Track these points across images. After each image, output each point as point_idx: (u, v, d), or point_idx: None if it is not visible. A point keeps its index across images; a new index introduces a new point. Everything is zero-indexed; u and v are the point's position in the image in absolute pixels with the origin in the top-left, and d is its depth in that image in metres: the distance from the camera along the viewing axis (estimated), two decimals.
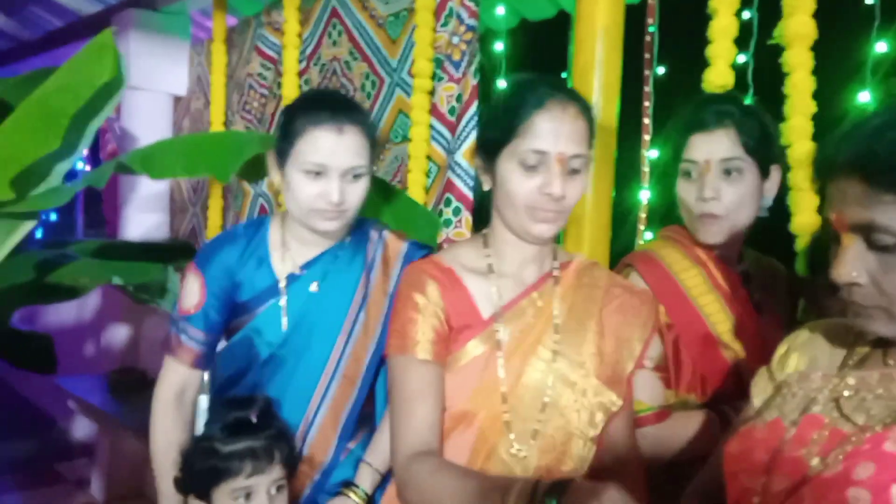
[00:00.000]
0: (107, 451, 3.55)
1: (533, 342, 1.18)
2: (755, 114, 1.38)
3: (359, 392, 1.51)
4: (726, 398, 1.38)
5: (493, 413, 1.15)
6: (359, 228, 1.55)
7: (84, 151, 1.94)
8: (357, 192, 1.39)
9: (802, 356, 0.99)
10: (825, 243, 1.49)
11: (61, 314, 4.47)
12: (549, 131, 1.11)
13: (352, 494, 1.49)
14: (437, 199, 2.28)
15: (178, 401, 1.49)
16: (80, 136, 1.91)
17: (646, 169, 2.63)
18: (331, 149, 1.34)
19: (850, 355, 0.92)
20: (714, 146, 1.34)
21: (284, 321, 1.45)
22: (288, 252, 1.48)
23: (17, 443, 4.23)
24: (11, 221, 1.77)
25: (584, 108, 1.16)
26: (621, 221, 2.53)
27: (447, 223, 2.22)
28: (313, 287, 1.47)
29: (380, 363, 1.53)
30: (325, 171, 1.35)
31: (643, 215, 2.70)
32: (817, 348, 0.98)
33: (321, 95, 1.52)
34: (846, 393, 0.86)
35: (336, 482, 1.51)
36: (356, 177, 1.38)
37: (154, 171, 1.74)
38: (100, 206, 4.45)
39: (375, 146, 1.44)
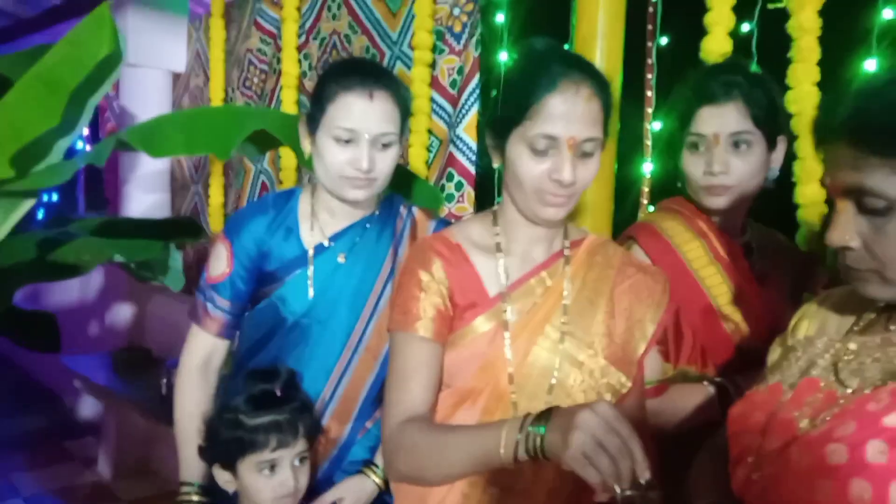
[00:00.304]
0: (113, 429, 3.58)
1: (540, 322, 1.16)
2: (763, 83, 1.36)
3: (380, 368, 1.50)
4: (726, 371, 1.38)
5: (498, 391, 1.15)
6: (388, 202, 1.56)
7: (84, 129, 1.93)
8: (387, 161, 1.40)
9: (812, 322, 1.00)
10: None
11: (65, 293, 4.49)
12: (561, 115, 1.07)
13: (371, 474, 1.52)
14: (438, 174, 2.27)
15: (204, 369, 1.52)
16: (79, 112, 1.90)
17: (648, 142, 2.61)
18: (361, 114, 1.35)
19: (858, 321, 0.93)
20: (723, 119, 1.33)
21: (311, 290, 1.47)
22: (317, 222, 1.50)
23: (25, 421, 4.27)
24: (12, 200, 1.77)
25: (600, 86, 1.10)
26: (624, 195, 2.52)
27: (449, 198, 2.21)
28: (341, 258, 1.48)
29: None
30: (355, 138, 1.36)
31: (646, 189, 2.68)
32: (827, 315, 0.98)
33: (354, 62, 1.52)
34: (846, 357, 0.87)
35: (353, 460, 1.52)
36: (386, 145, 1.38)
37: (154, 150, 1.73)
38: (101, 186, 4.44)
39: (407, 115, 1.45)
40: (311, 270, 1.47)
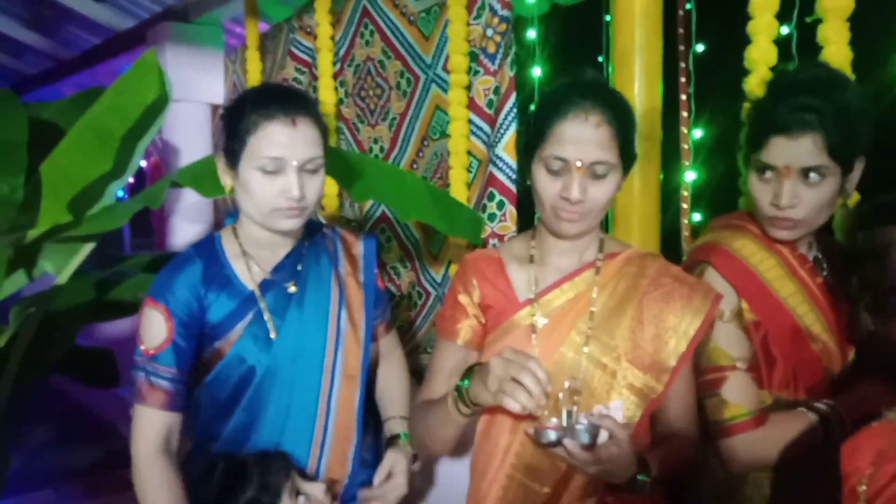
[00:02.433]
0: None
1: (567, 326, 1.27)
2: (842, 105, 1.22)
3: (361, 390, 1.50)
4: (818, 392, 1.32)
5: None
6: (309, 226, 1.53)
7: (134, 171, 1.99)
8: (315, 186, 1.36)
9: None
10: (864, 218, 1.45)
11: (117, 327, 4.58)
12: (570, 139, 1.19)
13: (401, 443, 1.56)
14: (479, 195, 2.28)
15: (165, 451, 1.37)
16: (129, 156, 1.96)
17: (686, 146, 2.59)
18: (286, 142, 1.31)
19: None
20: (796, 153, 1.23)
21: (272, 329, 1.41)
22: (251, 260, 1.43)
23: (82, 451, 4.36)
24: (72, 245, 1.83)
25: (612, 114, 1.20)
26: (666, 204, 2.50)
27: (491, 217, 2.22)
28: (291, 288, 1.44)
29: (371, 353, 1.57)
30: (281, 167, 1.31)
31: (686, 194, 2.66)
32: None
33: (267, 89, 1.49)
34: None
35: (356, 492, 1.52)
36: (313, 171, 1.35)
37: (206, 190, 1.77)
38: (146, 215, 4.55)
39: (327, 137, 1.41)
40: (265, 310, 1.40)
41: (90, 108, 1.89)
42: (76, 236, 1.80)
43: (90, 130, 1.88)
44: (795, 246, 1.37)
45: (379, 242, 1.61)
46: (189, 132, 3.79)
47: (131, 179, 4.85)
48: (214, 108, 3.89)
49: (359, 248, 1.58)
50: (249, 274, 1.42)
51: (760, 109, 1.30)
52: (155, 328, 1.37)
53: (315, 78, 2.97)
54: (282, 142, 1.31)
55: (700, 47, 2.45)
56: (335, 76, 2.89)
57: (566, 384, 1.18)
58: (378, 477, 1.52)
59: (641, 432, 1.27)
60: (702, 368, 1.33)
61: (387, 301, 1.66)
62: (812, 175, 1.24)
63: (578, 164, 1.19)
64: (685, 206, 2.67)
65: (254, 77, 3.36)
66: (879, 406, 0.92)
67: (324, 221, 1.63)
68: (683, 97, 2.57)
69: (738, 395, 1.28)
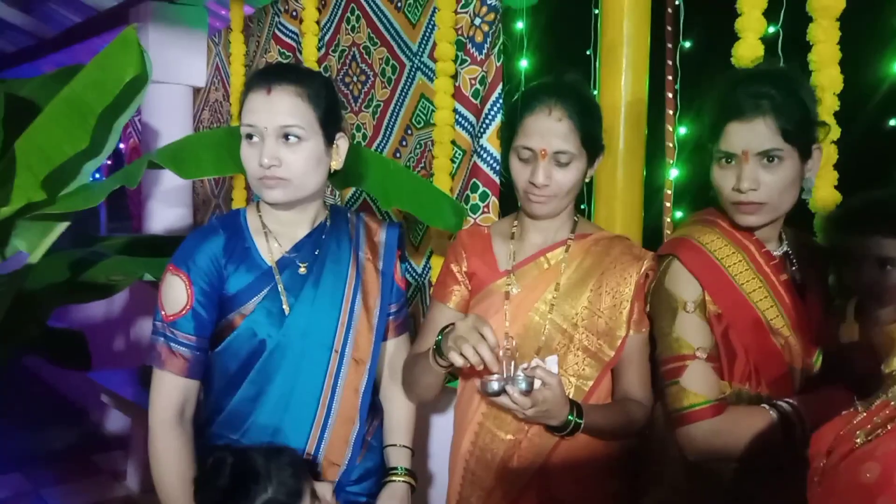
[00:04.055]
0: (141, 443, 3.60)
1: (535, 296, 1.46)
2: (795, 92, 1.29)
3: (369, 374, 1.50)
4: (780, 387, 1.34)
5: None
6: (335, 210, 1.57)
7: (111, 150, 1.95)
8: (297, 159, 1.36)
9: None
10: (840, 213, 1.46)
11: (92, 310, 4.53)
12: (535, 131, 1.38)
13: (395, 477, 1.54)
14: (463, 185, 2.27)
15: (181, 418, 1.38)
16: (107, 134, 1.93)
17: (671, 144, 2.59)
18: (260, 108, 1.34)
19: None
20: (752, 136, 1.27)
21: (286, 305, 1.42)
22: (272, 236, 1.46)
23: (54, 436, 4.30)
24: (45, 223, 1.79)
25: (574, 109, 1.38)
26: (649, 199, 2.51)
27: (474, 209, 2.20)
28: (302, 269, 1.45)
29: (384, 340, 1.57)
30: (258, 133, 1.35)
31: (669, 192, 2.66)
32: None
33: (267, 65, 1.54)
34: None
35: (361, 476, 1.51)
36: (293, 141, 1.35)
37: (184, 171, 1.74)
38: (123, 198, 4.48)
39: (328, 113, 1.40)
40: (280, 285, 1.42)
41: (68, 83, 1.84)
42: (50, 214, 1.76)
43: (67, 106, 1.83)
44: (762, 243, 1.39)
45: (402, 233, 1.62)
46: (169, 114, 3.73)
47: (109, 162, 4.78)
48: (196, 90, 3.83)
49: (381, 235, 1.60)
50: (269, 250, 1.44)
51: (717, 100, 1.35)
52: (176, 294, 1.38)
53: (300, 62, 2.93)
54: (256, 109, 1.35)
55: (687, 44, 2.44)
56: (319, 61, 2.86)
57: (504, 344, 1.31)
58: None
59: (603, 393, 1.46)
60: (664, 358, 1.37)
61: (404, 301, 1.65)
62: (770, 159, 1.28)
63: (543, 152, 1.37)
64: (668, 204, 2.68)
65: (237, 60, 3.32)
66: (841, 412, 0.93)
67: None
68: (670, 95, 2.57)
69: (697, 383, 1.31)
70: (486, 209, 2.20)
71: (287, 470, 1.26)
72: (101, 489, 3.65)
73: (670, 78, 2.56)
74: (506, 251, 1.52)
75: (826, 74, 1.54)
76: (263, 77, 1.37)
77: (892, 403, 0.85)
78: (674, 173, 2.53)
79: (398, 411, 1.61)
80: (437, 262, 2.33)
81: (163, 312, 1.38)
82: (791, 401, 1.29)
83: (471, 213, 2.19)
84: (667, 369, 1.36)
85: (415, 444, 1.64)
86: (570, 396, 1.39)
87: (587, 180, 1.47)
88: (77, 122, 1.82)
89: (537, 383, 1.26)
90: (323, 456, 1.45)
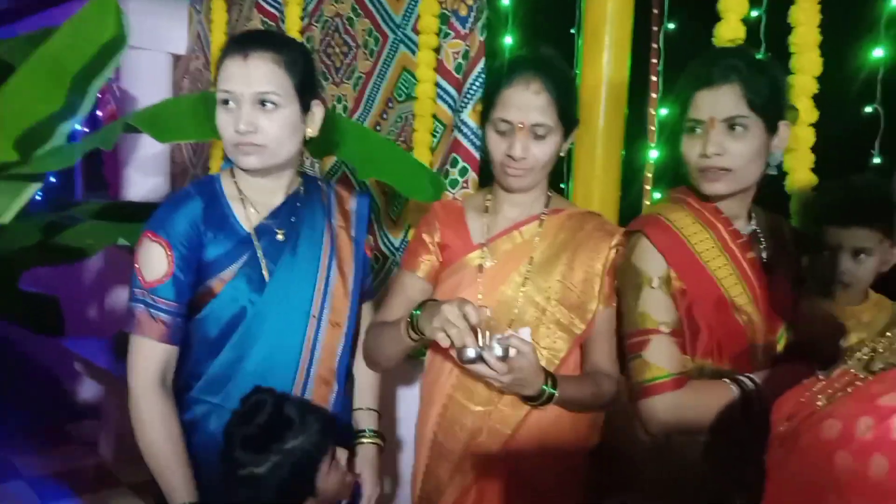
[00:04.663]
0: (114, 412, 3.59)
1: (509, 269, 1.47)
2: (764, 68, 1.34)
3: (346, 338, 1.54)
4: (742, 363, 1.37)
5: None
6: (307, 178, 1.58)
7: (86, 112, 1.91)
8: (273, 125, 1.37)
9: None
10: (820, 203, 1.49)
11: (67, 277, 4.48)
12: (513, 104, 1.39)
13: (364, 439, 1.60)
14: (443, 159, 2.26)
15: (162, 384, 1.38)
16: (82, 96, 1.89)
17: (653, 127, 2.60)
18: (236, 74, 1.35)
19: None
20: (718, 102, 1.31)
21: (265, 271, 1.43)
22: (248, 202, 1.46)
23: (27, 403, 4.28)
24: (17, 184, 1.76)
25: (552, 83, 1.38)
26: (630, 180, 2.51)
27: (453, 184, 2.20)
28: (280, 235, 1.46)
29: (359, 306, 1.60)
30: (234, 99, 1.35)
31: (649, 174, 2.67)
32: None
33: (244, 32, 1.53)
34: (880, 349, 0.87)
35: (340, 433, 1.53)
36: (269, 107, 1.36)
37: (161, 135, 1.71)
38: (100, 167, 4.42)
39: (306, 80, 1.41)
40: (260, 252, 1.44)
41: (43, 44, 1.81)
42: (22, 174, 1.73)
43: (42, 67, 1.80)
44: (730, 221, 1.41)
45: (372, 201, 1.64)
46: (148, 81, 3.68)
47: (86, 129, 4.71)
48: (176, 58, 3.78)
49: (352, 203, 1.62)
50: (247, 217, 1.45)
51: (689, 73, 1.39)
52: (155, 261, 1.37)
53: (283, 32, 2.89)
54: (233, 75, 1.35)
55: (671, 26, 2.44)
56: (302, 32, 2.83)
57: (481, 312, 1.31)
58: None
59: (572, 366, 1.48)
60: (629, 332, 1.40)
61: (370, 269, 1.69)
62: (736, 127, 1.31)
63: (521, 125, 1.38)
64: (647, 186, 2.69)
65: (218, 28, 3.27)
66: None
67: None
68: (654, 78, 2.57)
69: (660, 357, 1.33)
70: (465, 184, 2.20)
71: (318, 425, 1.31)
72: (73, 458, 3.65)
73: (655, 61, 2.57)
74: (479, 225, 1.53)
75: (806, 58, 1.55)
76: (241, 43, 1.37)
77: (852, 371, 0.87)
78: (653, 155, 2.53)
79: (364, 375, 1.66)
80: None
81: (141, 279, 1.37)
82: (752, 376, 1.32)
83: (450, 188, 2.19)
84: (631, 343, 1.38)
85: (383, 409, 1.67)
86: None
87: (562, 154, 1.48)
88: (52, 82, 1.79)
89: (512, 351, 1.27)
90: None
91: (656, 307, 1.36)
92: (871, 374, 0.85)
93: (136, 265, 1.38)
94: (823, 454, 0.78)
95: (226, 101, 1.36)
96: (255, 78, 1.34)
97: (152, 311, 1.36)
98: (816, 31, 1.55)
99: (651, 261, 1.38)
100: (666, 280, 1.37)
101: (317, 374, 1.49)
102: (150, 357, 1.37)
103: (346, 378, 1.57)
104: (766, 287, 1.40)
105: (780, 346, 1.43)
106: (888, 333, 0.89)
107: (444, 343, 1.28)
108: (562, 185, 1.99)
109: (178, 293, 1.38)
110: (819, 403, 0.86)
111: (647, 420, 1.35)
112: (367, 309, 1.69)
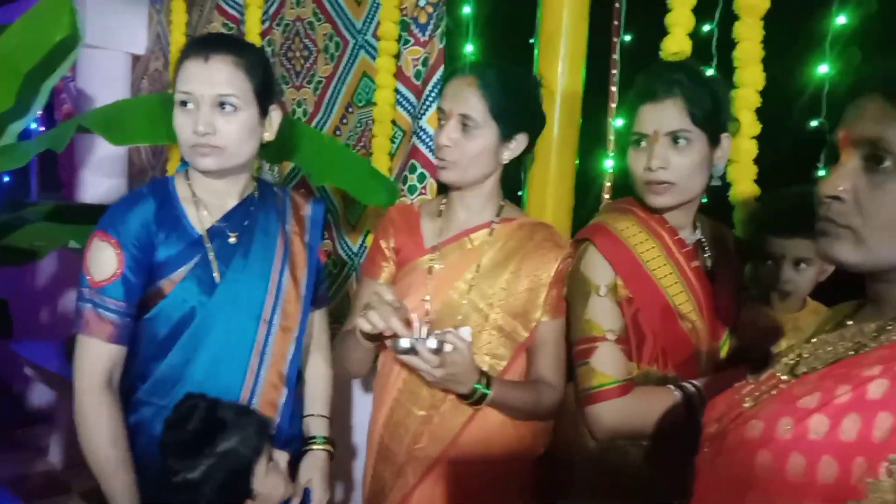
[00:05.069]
0: (65, 417, 3.51)
1: (456, 274, 1.48)
2: (706, 82, 1.37)
3: (296, 343, 1.53)
4: (687, 370, 1.40)
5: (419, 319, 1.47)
6: (262, 183, 1.58)
7: (39, 111, 1.89)
8: (232, 128, 1.37)
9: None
10: (764, 213, 1.54)
11: (16, 279, 4.38)
12: (447, 94, 1.46)
13: (315, 446, 1.59)
14: (402, 165, 2.27)
15: (108, 385, 1.36)
16: (34, 95, 1.87)
17: (612, 137, 2.64)
18: (196, 76, 1.35)
19: (832, 323, 0.95)
20: (662, 116, 1.34)
21: (216, 273, 1.43)
22: (202, 205, 1.46)
23: None
24: None
25: (487, 81, 1.42)
26: (587, 190, 2.55)
27: (412, 190, 2.21)
28: (232, 238, 1.46)
29: (311, 312, 1.60)
30: (193, 101, 1.35)
31: (608, 184, 2.71)
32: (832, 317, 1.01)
33: (204, 34, 1.55)
34: (805, 355, 0.90)
35: (284, 444, 1.52)
36: (228, 110, 1.37)
37: (115, 137, 1.70)
38: (55, 168, 4.33)
39: (263, 83, 1.42)
40: (211, 254, 1.43)
41: None
42: None
43: None
44: (676, 230, 1.44)
45: (327, 208, 1.65)
46: (107, 82, 3.62)
47: (42, 129, 4.61)
48: (135, 58, 3.73)
49: (307, 209, 1.62)
50: (199, 219, 1.44)
51: (634, 87, 1.41)
52: (104, 260, 1.36)
53: (242, 35, 2.88)
54: (192, 76, 1.35)
55: (628, 38, 2.49)
56: (263, 35, 2.82)
57: (417, 315, 1.37)
58: (297, 490, 1.54)
59: (517, 373, 1.49)
60: (576, 339, 1.42)
61: (323, 276, 1.69)
62: (679, 141, 1.33)
63: (450, 113, 1.44)
64: (607, 196, 2.73)
65: (178, 29, 3.24)
66: None
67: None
68: (613, 88, 2.62)
69: (606, 364, 1.35)
70: (423, 190, 2.21)
71: (252, 427, 1.30)
72: (22, 464, 3.56)
73: (614, 71, 2.61)
74: (432, 228, 1.56)
75: (749, 72, 1.59)
76: (201, 46, 1.37)
77: (778, 374, 0.90)
78: (609, 164, 2.58)
79: (316, 381, 1.66)
80: (373, 241, 2.33)
81: (89, 278, 1.36)
82: (695, 382, 1.35)
83: (409, 194, 2.20)
84: (578, 350, 1.40)
85: (337, 416, 1.67)
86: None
87: (506, 158, 1.48)
88: (2, 81, 1.77)
89: (448, 347, 1.29)
90: None
91: (603, 315, 1.38)
92: (795, 377, 0.88)
93: (84, 264, 1.37)
94: (746, 453, 0.81)
95: (184, 103, 1.36)
96: (215, 80, 1.35)
97: (100, 310, 1.35)
98: (759, 47, 1.59)
99: (598, 269, 1.41)
100: (613, 288, 1.40)
101: (266, 379, 1.48)
102: (96, 357, 1.35)
103: (296, 383, 1.57)
104: (710, 295, 1.43)
105: (723, 353, 1.47)
106: (813, 339, 0.92)
107: (366, 327, 1.31)
108: (519, 193, 2.01)
109: (127, 293, 1.37)
110: (746, 405, 0.89)
111: (593, 426, 1.37)
112: (321, 316, 1.69)
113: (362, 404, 2.43)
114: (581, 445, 1.43)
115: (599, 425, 1.36)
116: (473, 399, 1.38)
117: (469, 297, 1.47)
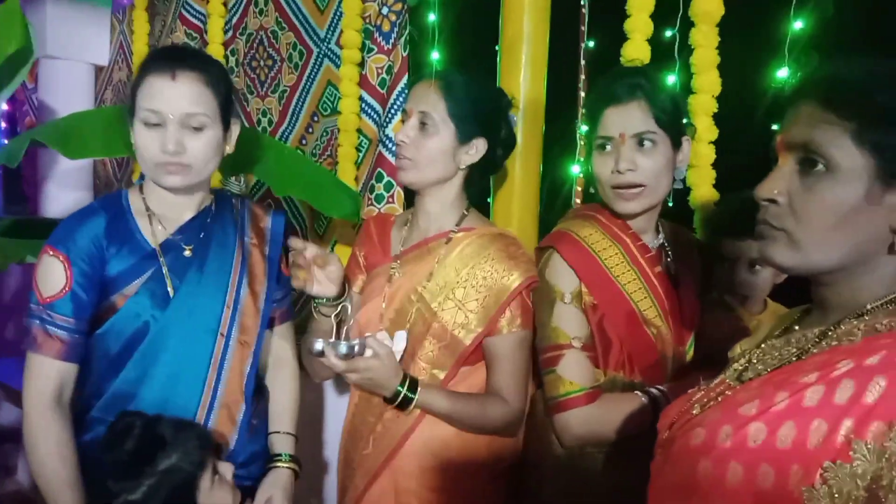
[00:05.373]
0: None
1: (412, 282, 1.50)
2: (666, 87, 1.40)
3: (254, 357, 1.51)
4: (653, 375, 1.40)
5: (373, 325, 1.53)
6: (220, 194, 1.57)
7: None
8: (199, 146, 1.37)
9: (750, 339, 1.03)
10: (719, 216, 1.55)
11: None
12: (412, 94, 1.53)
13: (279, 464, 1.56)
14: (368, 174, 2.26)
15: (58, 402, 1.34)
16: None
17: (582, 143, 2.64)
18: (164, 94, 1.33)
19: (780, 329, 0.95)
20: (627, 118, 1.35)
21: (170, 287, 1.41)
22: (155, 218, 1.44)
23: None
24: None
25: (447, 83, 1.48)
26: (555, 196, 2.55)
27: (379, 198, 2.19)
28: (187, 252, 1.45)
29: (268, 326, 1.57)
30: (161, 120, 1.33)
31: (579, 189, 2.71)
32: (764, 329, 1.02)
33: (165, 48, 1.53)
34: (754, 360, 0.90)
35: (246, 460, 1.52)
36: (197, 128, 1.36)
37: (70, 151, 1.67)
38: (18, 182, 4.25)
39: (226, 99, 1.42)
40: (165, 268, 1.42)
41: None
42: None
43: None
44: (638, 235, 1.44)
45: (288, 220, 1.63)
46: (69, 93, 3.54)
47: (5, 141, 4.53)
48: (98, 69, 3.67)
49: (267, 221, 1.60)
50: (153, 232, 1.43)
51: (596, 91, 1.44)
52: (53, 276, 1.35)
53: (206, 44, 2.85)
54: (159, 94, 1.33)
55: (591, 43, 2.50)
56: (226, 44, 2.79)
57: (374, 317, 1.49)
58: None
59: (462, 387, 1.48)
60: (543, 347, 1.42)
61: (289, 290, 1.66)
62: (645, 142, 1.35)
63: (410, 111, 1.49)
64: (578, 200, 2.73)
65: (140, 39, 3.20)
66: None
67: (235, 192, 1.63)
68: (583, 94, 2.62)
69: (572, 372, 1.36)
70: (391, 199, 2.19)
71: (193, 441, 1.28)
72: None
73: (583, 77, 2.62)
74: (399, 237, 1.60)
75: (706, 77, 1.60)
76: (166, 61, 1.35)
77: (727, 381, 0.90)
78: (575, 170, 2.58)
79: (282, 398, 1.63)
80: (340, 251, 2.31)
81: (38, 295, 1.35)
82: (661, 387, 1.35)
83: (375, 203, 2.18)
84: (545, 358, 1.40)
85: (310, 431, 1.65)
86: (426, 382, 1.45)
87: (464, 165, 1.50)
88: None
89: (369, 352, 1.33)
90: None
91: (568, 322, 1.38)
92: (741, 383, 0.88)
93: (34, 281, 1.36)
94: (690, 461, 0.81)
95: (149, 121, 1.34)
96: (184, 98, 1.33)
97: (48, 327, 1.34)
98: (715, 53, 1.61)
99: (563, 276, 1.41)
100: (577, 295, 1.40)
101: (224, 393, 1.46)
102: (45, 375, 1.34)
103: (254, 398, 1.54)
104: (674, 299, 1.44)
105: (689, 357, 1.47)
106: (763, 344, 0.92)
107: (296, 284, 1.42)
108: (488, 200, 2.01)
109: (77, 309, 1.35)
110: (694, 412, 0.89)
111: (561, 434, 1.37)
112: (286, 330, 1.66)
113: (336, 419, 2.40)
114: (550, 453, 1.43)
115: (568, 433, 1.35)
116: (397, 403, 1.39)
117: (417, 305, 1.49)
